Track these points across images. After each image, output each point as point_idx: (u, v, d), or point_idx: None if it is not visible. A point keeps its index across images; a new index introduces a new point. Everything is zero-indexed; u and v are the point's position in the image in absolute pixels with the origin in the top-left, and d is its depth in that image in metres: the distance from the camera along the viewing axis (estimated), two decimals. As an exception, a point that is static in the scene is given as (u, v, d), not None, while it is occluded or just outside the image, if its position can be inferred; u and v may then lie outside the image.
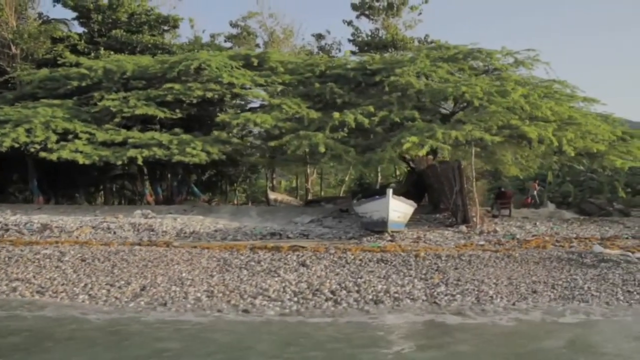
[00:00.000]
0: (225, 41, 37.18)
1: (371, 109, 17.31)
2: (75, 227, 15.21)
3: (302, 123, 18.12)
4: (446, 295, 9.99)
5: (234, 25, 37.43)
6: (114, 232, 14.89)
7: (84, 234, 14.70)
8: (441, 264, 11.77)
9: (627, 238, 14.18)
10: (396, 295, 10.01)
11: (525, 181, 38.69)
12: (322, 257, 12.20)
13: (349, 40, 35.21)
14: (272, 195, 26.94)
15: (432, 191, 19.35)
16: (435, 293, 10.09)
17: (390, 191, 13.41)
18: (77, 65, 21.66)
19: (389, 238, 13.95)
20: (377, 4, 34.40)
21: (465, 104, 18.30)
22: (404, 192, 23.62)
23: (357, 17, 34.48)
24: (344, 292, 10.21)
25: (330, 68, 20.51)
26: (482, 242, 13.51)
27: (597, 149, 16.21)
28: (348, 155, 16.87)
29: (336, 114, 17.16)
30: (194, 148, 17.15)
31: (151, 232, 14.88)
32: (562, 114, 17.62)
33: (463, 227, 15.19)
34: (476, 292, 10.10)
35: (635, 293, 10.08)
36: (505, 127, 16.72)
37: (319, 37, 35.85)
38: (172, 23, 29.23)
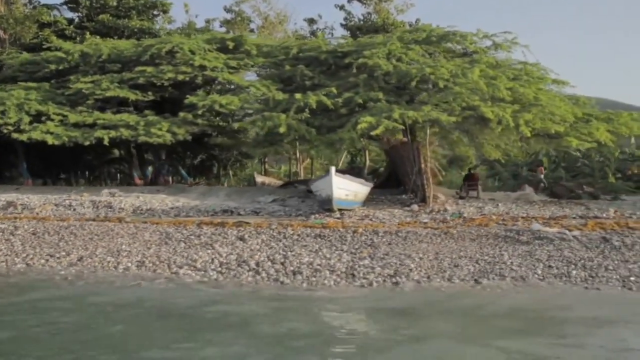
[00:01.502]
0: (220, 26, 37.61)
1: (334, 90, 17.44)
2: (38, 205, 15.70)
3: (270, 105, 18.32)
4: (366, 267, 10.22)
5: (228, 10, 37.73)
6: (74, 209, 15.34)
7: (45, 210, 15.18)
8: (376, 239, 11.96)
9: (574, 218, 14.19)
10: (318, 267, 10.27)
11: (520, 167, 38.70)
12: (262, 233, 12.49)
13: (342, 25, 35.28)
14: (259, 179, 27.42)
15: (398, 172, 19.48)
16: (356, 266, 10.32)
17: (332, 169, 13.60)
18: (59, 49, 22.10)
19: (338, 215, 14.17)
20: (369, -13, 34.38)
21: (432, 86, 18.28)
22: (387, 175, 23.89)
23: (349, 1, 34.45)
24: (269, 264, 10.52)
25: (303, 51, 20.61)
26: (425, 220, 13.63)
27: (556, 130, 16.14)
28: (310, 135, 17.03)
29: (298, 95, 17.32)
30: (159, 129, 17.49)
31: (109, 209, 15.31)
32: (528, 96, 17.53)
33: (415, 206, 15.33)
34: (397, 265, 10.32)
35: (554, 268, 10.21)
36: (467, 108, 16.73)
37: (311, 21, 35.90)
38: (160, 8, 29.44)
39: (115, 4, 28.37)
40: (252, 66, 20.37)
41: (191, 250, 11.36)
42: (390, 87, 18.52)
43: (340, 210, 14.40)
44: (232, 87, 20.77)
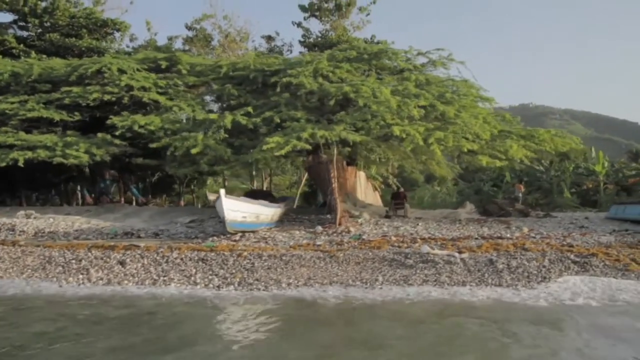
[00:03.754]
0: (183, 44, 37.70)
1: (250, 109, 17.35)
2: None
3: (195, 124, 18.22)
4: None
5: (189, 27, 37.81)
6: (-27, 232, 15.16)
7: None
8: (258, 263, 11.75)
9: (476, 238, 14.02)
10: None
11: (485, 182, 38.71)
12: (146, 257, 12.26)
13: (300, 42, 35.32)
14: (211, 197, 27.22)
15: (320, 191, 19.34)
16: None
17: (222, 192, 13.41)
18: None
19: (237, 237, 13.99)
20: (326, 5, 34.45)
21: (352, 104, 18.21)
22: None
23: (305, 18, 34.50)
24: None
25: (234, 70, 20.55)
26: (319, 243, 13.42)
27: (468, 147, 16.02)
28: (227, 155, 16.90)
29: (213, 115, 17.25)
30: (76, 150, 17.34)
31: (10, 232, 15.11)
32: (449, 113, 17.47)
33: (319, 227, 15.15)
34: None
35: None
36: (385, 126, 16.65)
37: (269, 38, 35.92)
38: (112, 27, 29.41)
39: (65, 23, 28.30)
40: (183, 85, 20.24)
41: (63, 275, 11.14)
42: (313, 106, 18.44)
43: (242, 232, 14.22)
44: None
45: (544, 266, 11.42)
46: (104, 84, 19.83)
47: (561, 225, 17.42)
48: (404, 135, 15.68)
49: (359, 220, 17.31)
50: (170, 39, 37.17)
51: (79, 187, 29.69)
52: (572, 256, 11.92)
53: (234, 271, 11.37)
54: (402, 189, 21.27)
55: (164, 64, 21.41)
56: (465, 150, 16.22)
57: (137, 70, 20.37)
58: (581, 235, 14.59)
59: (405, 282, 10.56)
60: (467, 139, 16.17)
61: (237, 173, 38.97)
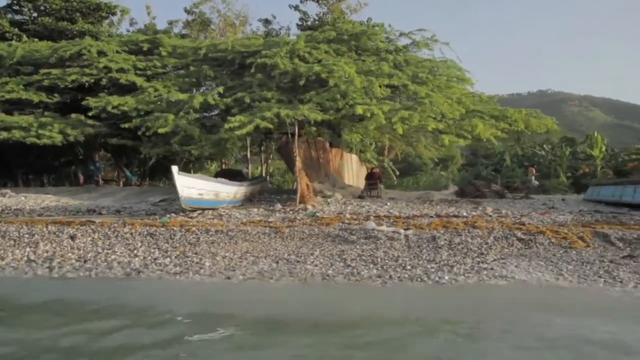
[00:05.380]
0: (182, 28, 37.92)
1: (220, 90, 17.49)
2: None
3: (168, 105, 18.42)
4: (160, 264, 10.23)
5: (188, 12, 37.99)
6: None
7: None
8: (203, 238, 11.94)
9: (431, 217, 14.00)
10: (120, 262, 10.35)
11: (485, 167, 38.47)
12: (98, 231, 12.53)
13: (297, 25, 35.30)
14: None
15: (291, 171, 19.45)
16: (151, 263, 10.34)
17: (174, 169, 13.58)
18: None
19: (196, 214, 14.20)
20: (322, -13, 34.34)
21: (321, 84, 18.20)
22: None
23: (302, 1, 34.43)
24: (73, 260, 10.62)
25: (212, 51, 20.68)
26: (272, 219, 13.55)
27: (432, 127, 15.92)
28: (196, 135, 17.07)
29: (183, 96, 17.42)
30: (50, 130, 17.70)
31: (-23, 209, 15.57)
32: (420, 93, 17.40)
33: (278, 205, 15.27)
34: (193, 263, 10.32)
35: (349, 267, 10.07)
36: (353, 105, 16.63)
37: (266, 22, 35.91)
38: (106, 10, 29.71)
39: (59, 7, 28.66)
40: (162, 67, 20.46)
41: (11, 249, 11.47)
42: (287, 87, 18.49)
43: (200, 209, 14.43)
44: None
45: (487, 243, 11.41)
46: (83, 66, 20.11)
47: (532, 206, 17.29)
48: (369, 115, 15.66)
49: (329, 200, 17.39)
50: (170, 22, 37.33)
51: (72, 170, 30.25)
52: (519, 234, 11.86)
53: (177, 245, 11.58)
54: (376, 170, 21.21)
55: (145, 46, 21.63)
56: (430, 129, 16.12)
57: (117, 52, 20.60)
58: (540, 215, 14.47)
59: (340, 256, 10.64)
60: (434, 118, 16.08)
61: (236, 157, 39.46)
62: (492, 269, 9.96)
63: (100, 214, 15.23)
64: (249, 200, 17.34)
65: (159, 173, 36.22)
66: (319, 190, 18.85)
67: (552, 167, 32.41)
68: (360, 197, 18.74)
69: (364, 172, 31.04)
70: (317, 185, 19.50)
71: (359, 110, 15.43)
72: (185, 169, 35.44)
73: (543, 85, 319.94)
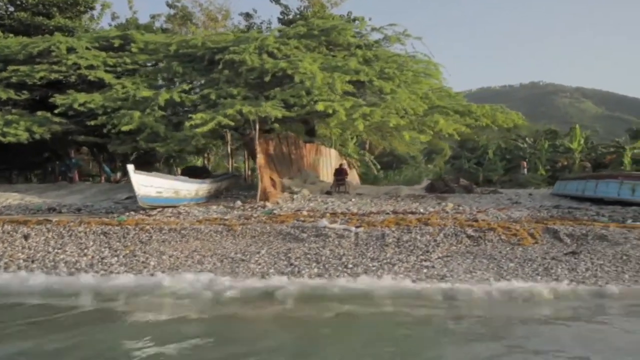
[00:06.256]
0: (164, 22, 37.76)
1: (185, 87, 17.52)
2: None
3: (137, 102, 18.41)
4: (106, 264, 10.34)
5: (170, 5, 37.83)
6: None
7: None
8: (155, 236, 12.03)
9: (387, 213, 14.12)
10: (67, 261, 10.47)
11: (468, 160, 38.58)
12: (52, 230, 12.60)
13: (278, 19, 35.20)
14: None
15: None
16: (97, 262, 10.44)
17: (130, 167, 13.63)
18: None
19: (155, 212, 14.29)
20: (302, -20, 34.24)
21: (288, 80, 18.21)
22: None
23: (284, -6, 34.29)
24: (21, 260, 10.72)
25: (184, 47, 20.64)
26: (227, 217, 13.64)
27: (394, 122, 15.97)
28: (162, 132, 17.09)
29: (147, 93, 17.44)
30: (16, 128, 17.71)
31: (-60, 208, 15.61)
32: (384, 89, 17.47)
33: (238, 202, 15.36)
34: (139, 262, 10.43)
35: (292, 265, 10.20)
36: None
37: (248, 16, 35.80)
38: (83, 5, 29.54)
39: (35, 1, 28.46)
40: (132, 63, 20.43)
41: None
42: (255, 83, 18.50)
43: (160, 207, 14.50)
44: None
45: (435, 240, 11.53)
46: (52, 62, 20.06)
47: (497, 202, 17.40)
48: (331, 111, 15.72)
49: (295, 196, 17.47)
50: (152, 17, 37.19)
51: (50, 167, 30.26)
52: (469, 231, 11.98)
53: (129, 243, 11.68)
54: (344, 165, 21.25)
55: (117, 42, 21.56)
56: (392, 125, 16.18)
57: (87, 48, 20.56)
58: (497, 210, 14.59)
59: (285, 255, 10.75)
60: (397, 114, 16.13)
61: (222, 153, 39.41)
62: (433, 267, 10.10)
63: (60, 212, 15.29)
64: (214, 197, 17.41)
65: (140, 168, 36.23)
66: (287, 187, 18.93)
67: (532, 160, 32.57)
68: (328, 193, 18.81)
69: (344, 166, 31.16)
70: (286, 181, 19.59)
71: (320, 107, 15.48)
72: (167, 164, 35.58)
73: (535, 77, 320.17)
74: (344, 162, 30.70)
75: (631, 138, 46.05)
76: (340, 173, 19.61)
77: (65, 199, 17.59)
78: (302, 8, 34.75)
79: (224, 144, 31.69)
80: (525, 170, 31.02)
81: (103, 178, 28.16)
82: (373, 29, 21.87)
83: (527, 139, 38.15)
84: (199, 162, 38.99)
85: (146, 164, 36.12)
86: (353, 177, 31.45)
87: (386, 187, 21.03)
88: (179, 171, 28.74)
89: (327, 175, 24.72)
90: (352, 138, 32.72)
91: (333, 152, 28.43)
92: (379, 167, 34.88)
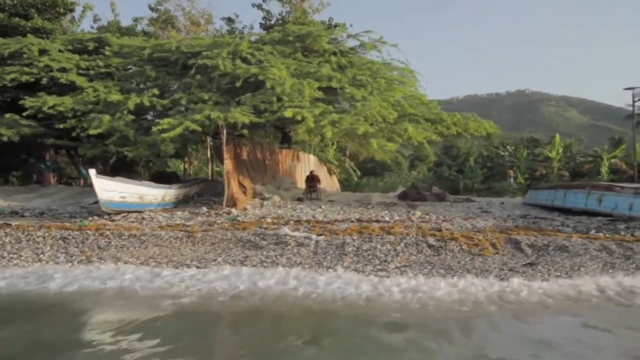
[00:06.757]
0: (147, 25, 37.59)
1: (156, 91, 17.43)
2: None
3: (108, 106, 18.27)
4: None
5: (153, 9, 37.69)
6: None
7: None
8: (115, 242, 11.90)
9: (352, 222, 14.08)
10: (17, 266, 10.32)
11: (449, 167, 38.70)
12: (10, 234, 12.41)
13: (260, 25, 35.19)
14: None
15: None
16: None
17: (92, 172, 13.51)
18: None
19: (119, 217, 14.15)
20: (285, -14, 34.29)
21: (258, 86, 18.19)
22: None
23: (264, 0, 34.33)
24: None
25: (158, 51, 20.55)
26: (189, 223, 13.53)
27: (362, 130, 15.96)
28: (131, 136, 16.98)
29: (117, 97, 17.33)
30: (-18, 130, 17.56)
31: None
32: (355, 96, 17.48)
33: (204, 208, 15.26)
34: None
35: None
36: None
37: (229, 20, 35.75)
38: (62, 7, 29.32)
39: (14, 2, 28.22)
40: (105, 67, 20.30)
41: None
42: (227, 88, 18.44)
43: (124, 212, 14.37)
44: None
45: (395, 250, 11.48)
46: (24, 64, 19.88)
47: (467, 210, 17.42)
48: (299, 118, 15.69)
49: (264, 203, 17.39)
50: (135, 20, 37.03)
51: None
52: (431, 240, 11.95)
53: (86, 249, 11.53)
54: (315, 172, 21.21)
55: (91, 45, 21.42)
56: (360, 132, 16.18)
57: (60, 51, 20.39)
58: (463, 220, 14.60)
59: (242, 263, 10.65)
60: (366, 121, 16.12)
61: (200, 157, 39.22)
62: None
63: (22, 216, 15.10)
64: (183, 202, 17.29)
65: (121, 171, 35.99)
66: (259, 193, 18.86)
67: (511, 168, 32.76)
68: (300, 199, 18.76)
69: (323, 172, 31.11)
70: (259, 187, 19.52)
71: (288, 113, 15.45)
72: (147, 168, 35.36)
73: (521, 85, 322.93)
74: (324, 168, 30.73)
75: (613, 147, 46.56)
76: (311, 180, 19.56)
77: (32, 202, 17.41)
78: (284, 13, 34.75)
79: (204, 149, 31.55)
80: (512, 178, 31.22)
81: (82, 181, 27.94)
82: (349, 36, 21.91)
83: (508, 147, 38.37)
84: (181, 166, 38.83)
85: (126, 168, 36.05)
86: (333, 183, 31.46)
87: (358, 194, 20.94)
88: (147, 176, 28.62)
89: (304, 182, 24.68)
90: (332, 144, 32.74)
91: (312, 159, 28.38)
92: (359, 173, 34.91)
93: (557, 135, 36.71)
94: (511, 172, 32.46)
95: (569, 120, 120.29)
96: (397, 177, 45.65)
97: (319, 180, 19.79)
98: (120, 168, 35.48)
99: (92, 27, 35.12)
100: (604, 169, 30.93)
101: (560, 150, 32.23)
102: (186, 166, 37.28)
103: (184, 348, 6.49)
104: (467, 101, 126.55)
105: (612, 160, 31.87)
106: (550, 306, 8.19)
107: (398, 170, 50.96)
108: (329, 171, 32.45)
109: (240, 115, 15.65)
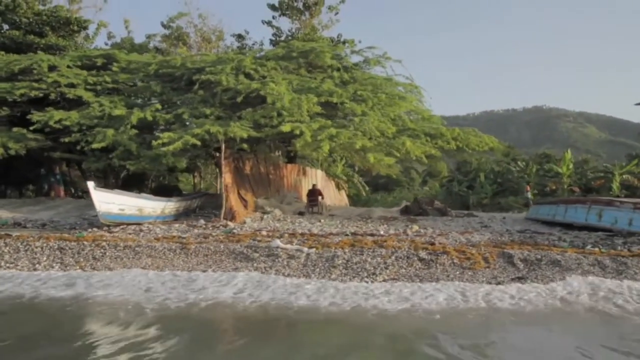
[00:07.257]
0: (159, 42, 38.34)
1: (158, 106, 17.77)
2: None
3: (113, 120, 18.65)
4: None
5: (165, 26, 38.44)
6: None
7: None
8: (110, 253, 12.10)
9: (346, 235, 14.13)
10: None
11: (459, 183, 38.56)
12: (9, 245, 12.69)
13: (270, 41, 35.67)
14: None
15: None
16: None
17: (90, 184, 13.77)
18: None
19: (118, 229, 14.39)
20: (295, 4, 34.75)
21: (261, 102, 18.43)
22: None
23: (274, 17, 34.83)
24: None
25: (164, 67, 20.96)
26: (185, 236, 13.70)
27: (360, 144, 16.06)
28: (134, 150, 17.27)
29: (120, 112, 17.68)
30: (-10, 144, 18.02)
31: None
32: (355, 111, 17.62)
33: (202, 221, 15.43)
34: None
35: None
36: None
37: (240, 37, 36.28)
38: (75, 25, 30.07)
39: (29, 20, 29.02)
40: (112, 83, 20.75)
41: None
42: (230, 103, 18.72)
43: (124, 224, 14.59)
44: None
45: (385, 263, 11.50)
46: (33, 80, 20.41)
47: (466, 225, 17.36)
48: (298, 132, 15.86)
49: (265, 217, 17.53)
50: (148, 37, 37.83)
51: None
52: (422, 254, 11.95)
53: (81, 259, 11.75)
54: (317, 186, 21.29)
55: (99, 61, 21.92)
56: (358, 147, 16.29)
57: (69, 67, 20.91)
58: (459, 234, 14.57)
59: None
60: (365, 136, 16.24)
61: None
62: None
63: (24, 227, 15.41)
64: (184, 215, 17.50)
65: (132, 184, 36.51)
66: (260, 206, 19.01)
67: (521, 184, 32.55)
68: (301, 213, 18.86)
69: (332, 187, 31.22)
70: (260, 201, 19.68)
71: (286, 128, 15.63)
72: (158, 182, 35.81)
73: (538, 101, 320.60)
74: (332, 183, 30.84)
75: (629, 163, 46.06)
76: (312, 194, 19.67)
77: (37, 214, 17.75)
78: (293, 30, 35.18)
79: (214, 164, 31.83)
80: (529, 194, 30.98)
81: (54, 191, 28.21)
82: (353, 52, 22.11)
83: (519, 162, 38.14)
84: (192, 181, 39.28)
85: (137, 182, 36.54)
86: (342, 198, 31.52)
87: (360, 208, 20.98)
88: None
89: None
90: (340, 159, 32.87)
91: (319, 174, 28.51)
92: (367, 188, 34.93)
93: (569, 151, 36.39)
94: (528, 187, 32.20)
95: (587, 136, 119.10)
96: (408, 192, 45.59)
97: (320, 194, 19.88)
98: (132, 182, 36.07)
99: (106, 44, 36.00)
100: (615, 185, 30.57)
101: (571, 165, 31.93)
102: (196, 180, 37.75)
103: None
104: (484, 117, 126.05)
105: (624, 176, 31.48)
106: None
107: (410, 185, 50.90)
108: (337, 186, 32.54)
109: (239, 130, 15.87)
